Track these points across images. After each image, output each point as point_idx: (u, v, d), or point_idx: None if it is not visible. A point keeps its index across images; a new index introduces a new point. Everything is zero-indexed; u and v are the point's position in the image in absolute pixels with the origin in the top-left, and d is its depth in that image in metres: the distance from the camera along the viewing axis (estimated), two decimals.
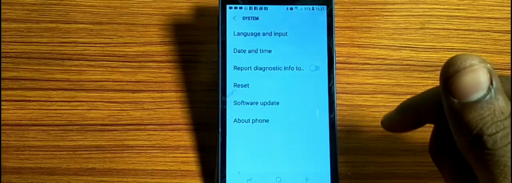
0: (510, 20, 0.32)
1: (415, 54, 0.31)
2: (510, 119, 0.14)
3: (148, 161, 0.28)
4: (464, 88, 0.14)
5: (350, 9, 0.32)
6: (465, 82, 0.14)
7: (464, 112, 0.14)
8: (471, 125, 0.14)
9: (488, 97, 0.14)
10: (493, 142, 0.14)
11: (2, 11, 0.31)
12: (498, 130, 0.14)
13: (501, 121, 0.14)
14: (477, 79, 0.14)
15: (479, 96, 0.14)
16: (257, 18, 0.27)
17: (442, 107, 0.16)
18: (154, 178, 0.28)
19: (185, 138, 0.29)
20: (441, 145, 0.19)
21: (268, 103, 0.26)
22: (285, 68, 0.26)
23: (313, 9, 0.27)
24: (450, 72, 0.15)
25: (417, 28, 0.32)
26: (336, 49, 0.28)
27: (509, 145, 0.14)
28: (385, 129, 0.20)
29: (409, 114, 0.19)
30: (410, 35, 0.32)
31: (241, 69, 0.26)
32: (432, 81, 0.31)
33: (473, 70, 0.14)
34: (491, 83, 0.14)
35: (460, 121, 0.15)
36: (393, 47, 0.31)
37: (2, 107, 0.29)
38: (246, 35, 0.26)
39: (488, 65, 0.15)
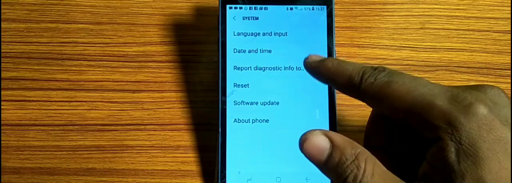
0: (510, 20, 0.32)
1: (415, 54, 0.31)
2: (357, 159, 0.16)
3: (148, 161, 0.28)
4: (312, 157, 0.17)
5: (350, 9, 0.32)
6: (309, 152, 0.17)
7: (326, 171, 0.17)
8: (336, 178, 0.16)
9: (332, 153, 0.17)
10: None
11: (2, 11, 0.31)
12: (349, 173, 0.16)
13: (349, 164, 0.16)
14: (315, 145, 0.17)
15: (325, 156, 0.17)
16: (257, 18, 0.27)
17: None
18: (154, 178, 0.28)
19: (185, 138, 0.29)
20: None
21: (268, 103, 0.26)
22: (285, 68, 0.26)
23: (313, 9, 0.27)
24: (300, 148, 0.17)
25: (417, 28, 0.32)
26: (336, 49, 0.28)
27: (362, 181, 0.16)
28: None
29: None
30: (410, 35, 0.32)
31: (241, 69, 0.26)
32: (432, 81, 0.31)
33: (309, 140, 0.17)
34: (331, 140, 0.17)
35: (331, 178, 0.17)
36: (393, 47, 0.31)
37: (2, 107, 0.29)
38: (246, 35, 0.26)
39: (322, 129, 0.17)
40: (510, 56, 0.31)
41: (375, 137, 0.21)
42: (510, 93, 0.30)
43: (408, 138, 0.19)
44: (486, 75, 0.31)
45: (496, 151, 0.15)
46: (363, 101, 0.18)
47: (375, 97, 0.17)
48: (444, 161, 0.15)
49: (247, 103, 0.26)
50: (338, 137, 0.17)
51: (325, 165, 0.17)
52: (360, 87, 0.18)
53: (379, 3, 0.32)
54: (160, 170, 0.28)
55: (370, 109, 0.30)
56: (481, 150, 0.15)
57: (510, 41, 0.32)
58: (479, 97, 0.16)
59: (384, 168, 0.16)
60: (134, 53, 0.30)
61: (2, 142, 0.28)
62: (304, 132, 0.17)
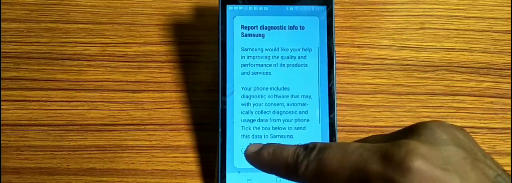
0: (510, 20, 0.32)
1: (415, 54, 0.31)
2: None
3: (148, 161, 0.28)
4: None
5: (350, 9, 0.32)
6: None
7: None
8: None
9: None
10: None
11: (2, 11, 0.31)
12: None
13: None
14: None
15: None
16: (257, 19, 0.27)
17: None
18: (154, 178, 0.28)
19: (185, 138, 0.29)
20: None
21: (269, 103, 0.26)
22: (285, 68, 0.26)
23: (313, 9, 0.27)
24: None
25: (417, 28, 0.32)
26: (336, 49, 0.28)
27: None
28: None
29: None
30: (410, 35, 0.32)
31: (242, 70, 0.26)
32: (432, 81, 0.31)
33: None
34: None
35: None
36: (393, 47, 0.31)
37: (2, 107, 0.29)
38: (246, 35, 0.26)
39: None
40: (510, 56, 0.31)
41: None
42: (510, 92, 0.31)
43: None
44: (486, 75, 0.31)
45: None
46: None
47: (315, 181, 0.16)
48: None
49: (248, 103, 0.26)
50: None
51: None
52: (298, 175, 0.16)
53: (379, 3, 0.32)
54: (160, 170, 0.28)
55: (370, 109, 0.30)
56: None
57: (510, 41, 0.32)
58: (409, 148, 0.14)
59: None
60: (134, 53, 0.30)
61: (2, 142, 0.28)
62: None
